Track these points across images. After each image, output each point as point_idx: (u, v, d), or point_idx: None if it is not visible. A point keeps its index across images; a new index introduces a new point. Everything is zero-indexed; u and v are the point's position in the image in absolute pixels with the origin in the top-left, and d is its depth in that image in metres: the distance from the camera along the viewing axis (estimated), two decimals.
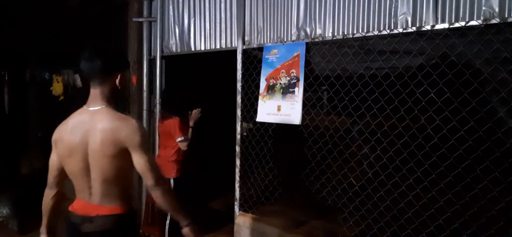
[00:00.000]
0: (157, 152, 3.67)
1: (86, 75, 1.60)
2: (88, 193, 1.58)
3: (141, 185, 3.95)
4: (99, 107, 1.57)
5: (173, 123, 3.29)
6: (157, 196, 1.56)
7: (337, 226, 2.78)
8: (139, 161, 1.52)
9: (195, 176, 3.70)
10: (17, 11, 5.37)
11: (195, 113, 3.45)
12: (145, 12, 3.87)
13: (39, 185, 5.26)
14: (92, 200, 1.58)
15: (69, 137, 1.57)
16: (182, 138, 3.27)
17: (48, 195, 1.69)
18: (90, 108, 1.59)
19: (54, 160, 1.66)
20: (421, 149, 2.25)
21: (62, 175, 1.66)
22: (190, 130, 3.40)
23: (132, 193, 1.76)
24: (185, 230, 1.69)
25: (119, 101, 1.74)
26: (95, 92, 1.59)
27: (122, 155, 1.52)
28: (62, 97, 5.27)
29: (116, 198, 1.59)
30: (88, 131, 1.53)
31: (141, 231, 3.78)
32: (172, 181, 3.32)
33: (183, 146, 3.30)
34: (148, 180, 1.53)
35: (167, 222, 3.35)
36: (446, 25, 2.07)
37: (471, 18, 2.01)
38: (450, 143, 2.14)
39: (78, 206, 1.61)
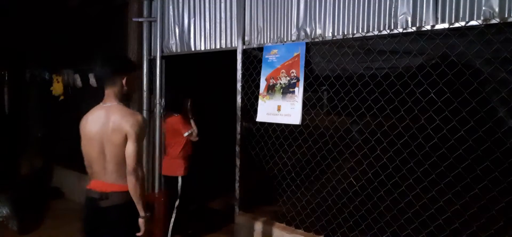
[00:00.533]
0: (163, 151, 3.75)
1: (100, 79, 2.03)
2: (103, 173, 1.91)
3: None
4: (112, 104, 1.92)
5: (176, 120, 3.40)
6: (131, 180, 1.84)
7: (337, 226, 2.78)
8: (129, 147, 1.84)
9: (197, 174, 3.76)
10: (17, 11, 5.37)
11: (189, 104, 3.54)
12: (145, 12, 3.87)
13: (39, 185, 5.22)
14: (106, 179, 1.90)
15: (88, 128, 1.92)
16: (189, 132, 3.39)
17: (90, 173, 2.03)
18: (105, 105, 1.93)
19: (82, 147, 2.03)
20: (421, 149, 2.25)
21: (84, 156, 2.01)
22: (192, 121, 3.49)
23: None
24: (141, 221, 1.90)
25: (129, 99, 2.09)
26: (108, 92, 1.93)
27: (126, 142, 1.85)
28: (62, 97, 5.27)
29: (125, 177, 1.86)
30: (103, 123, 1.87)
31: None
32: (180, 179, 3.39)
33: (193, 137, 3.45)
34: (130, 164, 1.84)
35: (171, 221, 3.39)
36: (446, 25, 2.07)
37: (471, 18, 2.02)
38: (450, 143, 2.14)
39: (95, 185, 1.93)
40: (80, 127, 2.00)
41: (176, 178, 3.39)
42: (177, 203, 3.38)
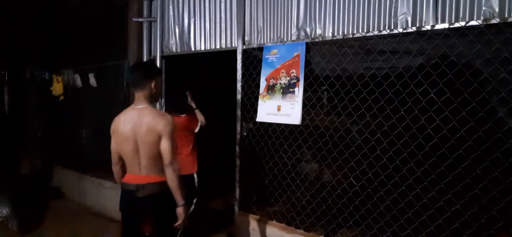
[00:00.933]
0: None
1: (132, 83, 2.24)
2: (138, 168, 2.14)
3: None
4: (143, 106, 2.13)
5: (184, 120, 3.46)
6: (169, 172, 2.07)
7: (338, 226, 2.78)
8: (165, 143, 2.07)
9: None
10: (17, 11, 5.37)
11: (189, 98, 3.60)
12: (145, 12, 3.87)
13: (39, 185, 5.21)
14: (141, 173, 2.13)
15: (122, 128, 2.13)
16: (198, 126, 3.48)
17: (117, 169, 2.28)
18: (137, 107, 2.14)
19: (113, 145, 2.22)
20: (421, 149, 2.25)
21: (120, 156, 2.24)
22: (197, 112, 3.55)
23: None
24: (179, 210, 2.09)
25: (156, 100, 2.33)
26: (138, 95, 2.14)
27: (160, 140, 2.08)
28: (62, 97, 5.26)
29: (158, 170, 2.12)
30: (136, 123, 2.09)
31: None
32: (195, 176, 3.48)
33: (203, 124, 3.57)
34: (167, 159, 2.07)
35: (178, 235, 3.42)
36: (446, 25, 2.07)
37: (471, 18, 2.02)
38: (450, 143, 2.14)
39: (130, 178, 2.17)
40: (112, 127, 2.20)
41: (192, 175, 3.49)
42: (195, 200, 3.48)
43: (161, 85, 2.35)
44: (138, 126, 2.09)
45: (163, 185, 2.11)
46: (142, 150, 2.11)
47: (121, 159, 2.23)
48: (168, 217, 2.14)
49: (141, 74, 2.15)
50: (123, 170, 2.27)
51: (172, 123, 2.12)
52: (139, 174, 2.14)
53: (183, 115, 3.46)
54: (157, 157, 2.10)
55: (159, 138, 2.08)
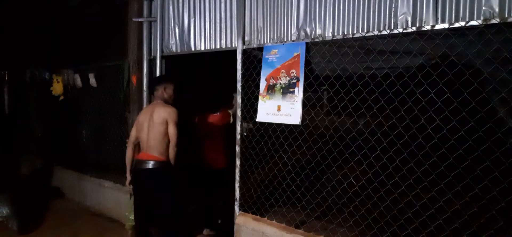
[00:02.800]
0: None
1: (150, 89, 3.49)
2: (147, 148, 2.92)
3: None
4: (157, 102, 3.04)
5: (219, 117, 3.73)
6: (172, 150, 2.88)
7: (337, 226, 2.78)
8: (171, 128, 2.87)
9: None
10: (17, 11, 5.37)
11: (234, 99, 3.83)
12: (145, 12, 3.87)
13: (39, 185, 5.22)
14: (148, 151, 2.91)
15: (142, 117, 3.05)
16: (231, 118, 3.77)
17: (130, 148, 3.07)
18: (153, 103, 3.08)
19: (133, 130, 3.10)
20: (421, 149, 2.25)
21: (137, 138, 3.06)
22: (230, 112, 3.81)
23: (168, 152, 2.93)
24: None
25: (168, 101, 3.07)
26: (155, 96, 3.09)
27: (165, 125, 2.87)
28: (62, 97, 5.26)
29: (159, 152, 2.88)
30: (150, 113, 2.95)
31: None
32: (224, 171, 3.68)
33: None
34: (173, 140, 2.87)
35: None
36: (446, 25, 2.07)
37: (471, 18, 2.02)
38: (450, 143, 2.14)
39: (141, 155, 2.97)
40: (137, 118, 3.11)
41: (223, 169, 3.67)
42: (223, 194, 3.71)
43: (171, 91, 3.08)
44: (151, 115, 2.92)
45: (161, 162, 2.86)
46: (151, 133, 2.88)
47: (136, 141, 3.05)
48: (166, 189, 2.89)
49: (154, 82, 3.21)
50: (134, 150, 3.07)
51: (175, 111, 2.90)
52: (148, 152, 2.89)
53: (218, 113, 3.71)
54: (162, 140, 2.86)
55: (166, 123, 2.85)
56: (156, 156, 2.85)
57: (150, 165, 2.84)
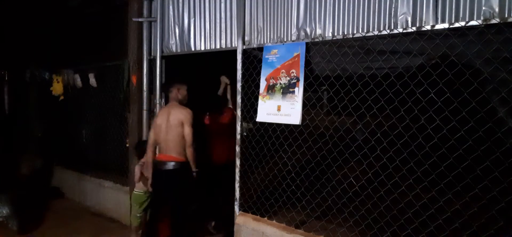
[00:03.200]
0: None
1: (166, 91, 3.51)
2: (165, 148, 3.07)
3: None
4: (173, 104, 3.18)
5: (226, 116, 3.84)
6: (189, 150, 3.04)
7: (337, 226, 2.78)
8: (187, 129, 3.03)
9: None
10: (17, 11, 5.37)
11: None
12: (145, 12, 3.87)
13: (39, 185, 5.22)
14: (168, 152, 3.07)
15: (159, 119, 3.16)
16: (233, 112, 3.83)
17: (150, 150, 3.20)
18: (169, 104, 3.21)
19: (151, 133, 3.23)
20: (421, 149, 2.25)
21: (156, 140, 3.19)
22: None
23: (185, 152, 3.08)
24: (194, 174, 3.12)
25: (184, 102, 3.25)
26: (171, 96, 3.24)
27: (181, 127, 3.03)
28: (62, 97, 5.26)
29: (178, 152, 3.05)
30: (167, 115, 3.09)
31: (141, 231, 3.79)
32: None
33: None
34: (189, 141, 3.02)
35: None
36: (446, 25, 2.07)
37: (471, 18, 2.01)
38: (450, 143, 2.14)
39: (160, 156, 3.14)
40: (154, 120, 3.24)
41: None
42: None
43: (183, 92, 3.24)
44: (167, 117, 3.07)
45: (180, 163, 3.03)
46: (169, 135, 3.03)
47: (155, 143, 3.18)
48: (184, 188, 3.08)
49: (167, 84, 3.43)
50: (155, 150, 3.22)
51: (191, 114, 3.08)
52: (166, 153, 3.06)
53: (229, 108, 3.84)
54: (179, 141, 3.01)
55: (182, 125, 3.01)
56: (175, 156, 3.03)
57: (171, 166, 3.02)
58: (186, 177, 3.05)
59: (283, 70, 2.76)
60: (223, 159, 3.87)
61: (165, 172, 3.03)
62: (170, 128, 3.01)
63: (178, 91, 3.19)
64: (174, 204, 3.10)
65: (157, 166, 3.08)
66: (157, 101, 3.82)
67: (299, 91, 2.65)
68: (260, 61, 2.94)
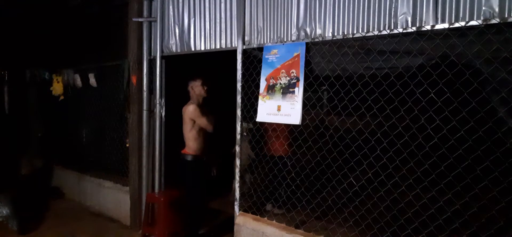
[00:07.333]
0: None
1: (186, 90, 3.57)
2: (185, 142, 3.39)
3: (140, 187, 3.95)
4: (190, 101, 3.39)
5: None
6: (210, 131, 3.37)
7: (337, 226, 2.78)
8: (199, 123, 3.27)
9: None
10: (17, 11, 5.37)
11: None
12: (145, 12, 3.87)
13: (39, 185, 5.21)
14: (185, 146, 3.36)
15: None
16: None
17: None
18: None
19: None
20: (421, 149, 2.25)
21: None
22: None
23: (194, 146, 3.31)
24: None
25: (197, 97, 3.39)
26: (190, 95, 3.44)
27: (187, 123, 3.30)
28: (62, 97, 5.26)
29: (188, 146, 3.33)
30: (183, 112, 3.34)
31: (141, 231, 3.79)
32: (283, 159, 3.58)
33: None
34: (209, 129, 3.33)
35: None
36: (446, 25, 2.07)
37: (471, 18, 2.01)
38: (450, 143, 2.14)
39: (183, 150, 3.38)
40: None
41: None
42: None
43: (197, 88, 3.37)
44: (183, 114, 3.34)
45: (189, 156, 3.31)
46: (183, 131, 3.35)
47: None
48: (196, 178, 3.35)
49: (186, 84, 3.50)
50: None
51: (193, 108, 3.28)
52: (185, 147, 3.36)
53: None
54: (188, 136, 3.30)
55: (189, 121, 3.28)
56: (187, 150, 3.33)
57: (183, 157, 3.33)
58: (196, 167, 3.34)
59: (283, 70, 2.76)
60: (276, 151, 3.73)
61: (180, 164, 3.40)
62: (183, 124, 3.34)
63: (192, 89, 3.39)
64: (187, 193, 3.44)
65: (180, 158, 3.41)
66: (157, 101, 3.82)
67: (299, 91, 2.65)
68: (260, 61, 2.94)
